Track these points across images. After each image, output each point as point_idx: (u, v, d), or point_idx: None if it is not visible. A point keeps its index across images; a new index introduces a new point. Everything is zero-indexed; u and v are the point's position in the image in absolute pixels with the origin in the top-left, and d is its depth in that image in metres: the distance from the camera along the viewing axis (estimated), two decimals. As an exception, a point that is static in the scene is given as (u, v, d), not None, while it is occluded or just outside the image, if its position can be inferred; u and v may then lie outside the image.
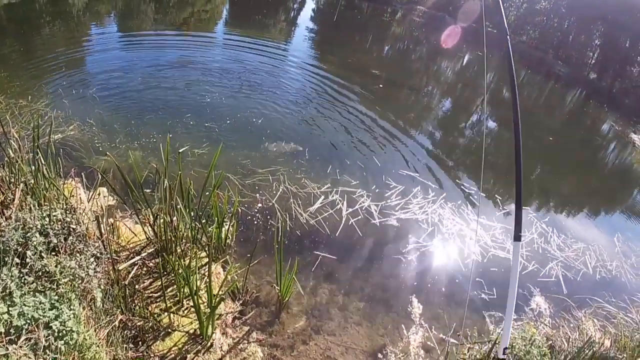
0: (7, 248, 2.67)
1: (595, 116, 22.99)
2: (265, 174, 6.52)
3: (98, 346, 2.63)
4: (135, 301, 3.53)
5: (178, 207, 4.30)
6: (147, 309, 3.55)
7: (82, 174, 4.69)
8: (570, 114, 22.06)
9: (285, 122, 8.76)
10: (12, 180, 3.56)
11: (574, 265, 6.37)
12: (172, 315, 3.63)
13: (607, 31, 45.81)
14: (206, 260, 4.30)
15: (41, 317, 2.32)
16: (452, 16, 41.93)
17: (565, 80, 34.16)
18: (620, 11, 40.96)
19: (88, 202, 4.26)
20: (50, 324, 2.32)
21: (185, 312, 3.76)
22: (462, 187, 7.70)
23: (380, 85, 12.81)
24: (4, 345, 2.05)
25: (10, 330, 2.19)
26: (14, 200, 3.17)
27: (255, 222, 5.49)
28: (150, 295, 3.80)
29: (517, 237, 2.36)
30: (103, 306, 3.02)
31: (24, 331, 2.21)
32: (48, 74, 9.43)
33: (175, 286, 3.87)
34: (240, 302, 4.18)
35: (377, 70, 14.88)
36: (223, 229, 4.65)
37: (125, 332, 3.19)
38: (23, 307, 2.31)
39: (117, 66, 10.79)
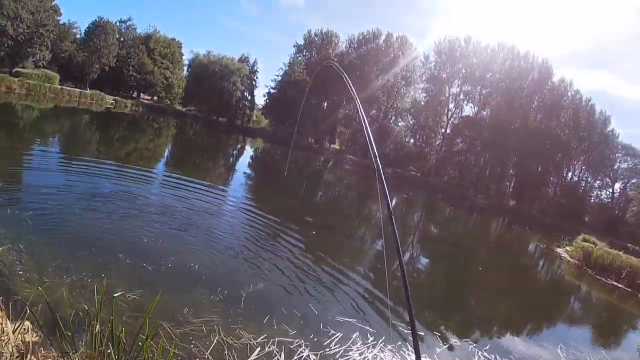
0: None
1: (520, 239, 24.78)
2: (199, 323, 6.25)
3: None
4: None
5: (108, 354, 3.95)
6: None
7: (10, 302, 4.29)
8: (497, 242, 23.66)
9: (221, 268, 8.66)
10: None
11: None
12: None
13: (519, 161, 51.87)
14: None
15: None
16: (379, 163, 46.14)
17: (487, 210, 37.21)
18: (529, 141, 47.05)
19: (13, 333, 3.84)
20: None
21: None
22: (399, 328, 7.75)
23: (314, 232, 13.36)
24: None
25: None
26: None
27: (189, 379, 5.12)
28: None
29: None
30: None
31: None
32: None
33: None
34: None
35: (311, 218, 15.65)
36: None
37: None
38: None
39: (56, 192, 10.61)
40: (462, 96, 60.86)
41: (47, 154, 16.47)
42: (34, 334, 4.47)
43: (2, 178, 9.86)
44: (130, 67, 61.87)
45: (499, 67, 56.76)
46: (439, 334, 7.78)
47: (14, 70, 40.82)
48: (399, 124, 64.88)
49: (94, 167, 15.51)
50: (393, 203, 27.55)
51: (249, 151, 44.99)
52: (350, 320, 7.47)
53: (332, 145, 62.69)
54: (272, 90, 68.20)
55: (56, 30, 51.58)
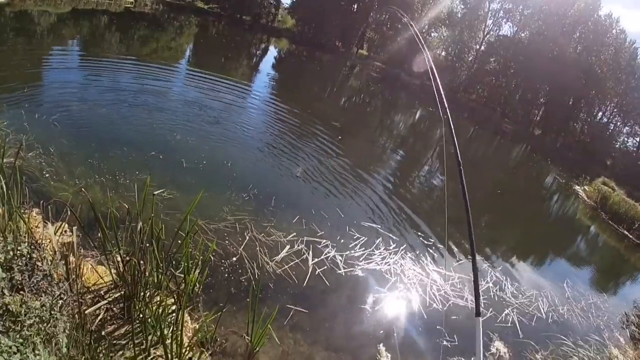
0: None
1: (540, 169, 24.60)
2: (232, 221, 6.49)
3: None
4: (100, 348, 3.28)
5: (149, 251, 4.12)
6: (111, 356, 3.31)
7: (49, 206, 4.46)
8: (517, 168, 23.53)
9: (252, 166, 8.91)
10: None
11: (528, 311, 6.70)
12: None
13: (551, 90, 49.86)
14: (173, 307, 4.09)
15: None
16: (406, 72, 44.52)
17: (511, 135, 36.45)
18: (564, 72, 44.83)
19: (55, 236, 3.95)
20: None
21: None
22: (421, 237, 8.00)
23: (340, 137, 13.28)
24: None
25: None
26: None
27: (222, 270, 5.43)
28: (116, 342, 3.53)
29: (478, 313, 2.51)
30: (68, 352, 2.77)
31: None
32: (7, 95, 9.07)
33: (142, 333, 3.64)
34: (210, 352, 3.99)
35: (337, 122, 15.47)
36: (192, 276, 4.51)
37: None
38: None
39: (81, 93, 10.51)
40: (502, 13, 56.29)
41: (68, 57, 16.15)
42: (75, 235, 4.75)
43: (27, 83, 9.77)
44: (148, -37, 58.69)
45: (545, -12, 52.40)
46: (456, 249, 8.03)
47: None
48: (432, 34, 61.35)
49: (117, 67, 15.28)
50: (417, 115, 27.15)
51: (273, 51, 43.63)
52: (374, 226, 7.76)
53: (360, 51, 59.97)
54: None
55: None
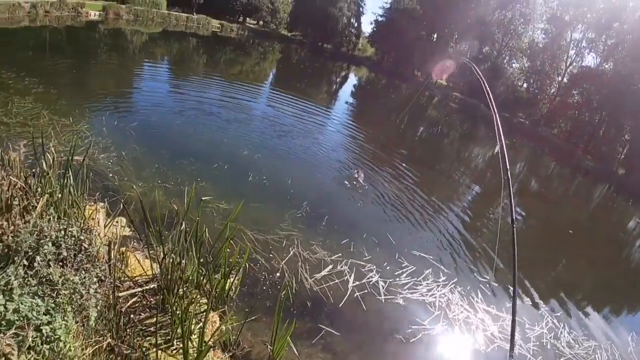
0: (19, 249, 2.81)
1: (622, 212, 22.57)
2: (281, 234, 6.65)
3: (79, 362, 2.64)
4: (128, 330, 3.55)
5: (190, 251, 4.45)
6: (137, 340, 3.55)
7: (106, 200, 4.93)
8: (596, 208, 21.75)
9: (311, 185, 9.12)
10: (39, 189, 3.80)
11: (582, 364, 6.09)
12: (160, 352, 3.59)
13: (636, 126, 45.68)
14: (205, 306, 4.30)
15: (34, 319, 2.39)
16: (485, 104, 43.24)
17: (593, 174, 33.82)
18: None
19: (105, 227, 4.45)
20: (41, 328, 2.38)
21: (174, 352, 3.72)
22: (475, 273, 7.59)
23: (412, 166, 13.04)
24: None
25: (2, 322, 2.27)
26: (36, 207, 3.37)
27: (261, 280, 5.52)
28: (144, 328, 3.80)
29: (512, 355, 2.36)
30: (95, 326, 3.06)
31: (14, 327, 2.27)
32: (94, 101, 10.25)
33: (170, 325, 3.89)
34: (230, 354, 4.11)
35: (411, 151, 15.32)
36: (228, 280, 4.71)
37: (111, 356, 3.17)
38: (20, 305, 2.38)
39: (160, 107, 11.72)
40: (584, 43, 53.07)
41: (155, 73, 17.77)
42: (127, 229, 5.30)
43: (113, 93, 10.85)
44: (236, -8, 62.82)
45: (628, 17, 48.74)
46: (511, 289, 7.52)
47: None
48: (513, 65, 59.10)
49: (201, 84, 16.56)
50: (495, 149, 25.96)
51: (352, 79, 44.51)
52: (425, 256, 7.48)
53: (439, 81, 59.26)
54: (379, 18, 65.29)
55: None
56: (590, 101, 48.04)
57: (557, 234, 12.48)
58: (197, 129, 10.57)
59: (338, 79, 40.82)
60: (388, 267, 6.74)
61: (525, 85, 55.99)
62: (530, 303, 7.30)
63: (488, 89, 3.72)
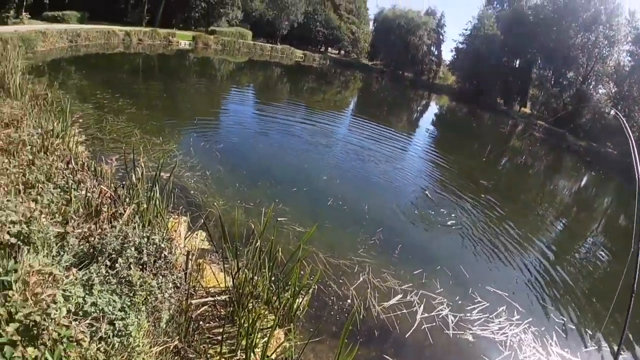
0: (104, 250, 3.13)
1: None
2: (353, 260, 6.63)
3: (146, 359, 2.84)
4: (195, 336, 3.73)
5: (262, 268, 4.66)
6: (203, 347, 3.71)
7: (188, 214, 5.31)
8: None
9: (387, 213, 8.96)
10: (127, 199, 4.25)
11: None
12: None
13: None
14: (272, 322, 4.36)
15: (109, 313, 2.61)
16: (573, 133, 40.39)
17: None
18: None
19: (185, 239, 4.80)
20: (115, 322, 2.60)
21: None
22: (551, 314, 7.01)
23: (484, 196, 12.54)
24: (69, 320, 2.33)
25: (79, 312, 2.50)
26: (123, 215, 3.73)
27: (329, 302, 5.53)
28: (211, 336, 3.97)
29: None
30: (165, 328, 3.27)
31: (90, 318, 2.51)
32: (183, 123, 11.17)
33: (235, 337, 4.04)
34: None
35: (493, 182, 14.72)
36: (297, 299, 4.79)
37: (176, 358, 3.34)
38: (98, 299, 2.62)
39: (245, 130, 12.55)
40: None
41: (241, 99, 18.99)
42: (206, 242, 5.63)
43: (201, 116, 11.70)
44: (318, 23, 65.62)
45: None
46: (590, 333, 6.82)
47: (209, 29, 46.45)
48: (600, 90, 54.55)
49: (284, 111, 17.36)
50: (583, 181, 24.15)
51: (433, 107, 44.01)
52: (500, 292, 7.02)
53: (523, 109, 56.29)
54: (460, 45, 63.73)
55: (246, -9, 56.87)
56: None
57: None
58: (279, 152, 11.10)
59: (418, 107, 40.40)
60: (460, 301, 6.40)
61: (612, 112, 51.43)
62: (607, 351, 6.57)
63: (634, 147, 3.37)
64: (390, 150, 14.94)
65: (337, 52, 74.79)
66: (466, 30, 61.94)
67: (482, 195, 12.06)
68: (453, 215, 9.94)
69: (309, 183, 9.28)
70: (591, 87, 51.49)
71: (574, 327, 6.69)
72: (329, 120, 17.91)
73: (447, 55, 69.49)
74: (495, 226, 10.00)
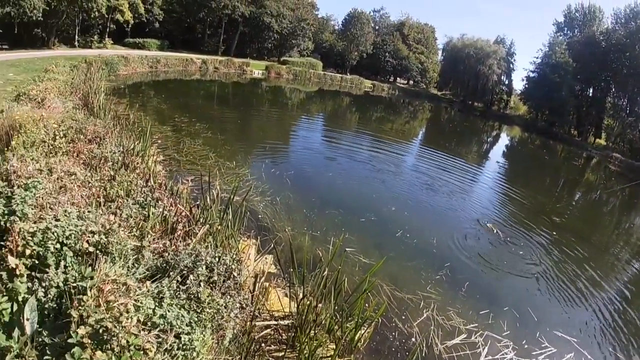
0: (176, 266, 3.32)
1: None
2: (418, 295, 6.42)
3: (208, 374, 2.89)
4: (256, 357, 3.80)
5: (327, 296, 4.70)
6: None
7: (258, 237, 5.53)
8: None
9: (457, 248, 8.61)
10: (201, 219, 4.50)
11: None
12: None
13: None
14: (332, 352, 4.36)
15: (176, 327, 2.73)
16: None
17: None
18: None
19: (254, 261, 4.98)
20: (181, 336, 2.71)
21: None
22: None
23: (566, 236, 11.72)
24: (138, 329, 2.47)
25: (148, 323, 2.64)
26: (196, 234, 3.95)
27: (391, 337, 5.47)
28: (270, 359, 4.02)
29: None
30: (228, 346, 3.36)
31: (157, 329, 2.63)
32: (255, 149, 11.66)
33: None
34: None
35: (566, 219, 13.87)
36: (359, 331, 4.71)
37: None
38: (167, 312, 2.76)
39: (315, 158, 12.92)
40: None
41: (311, 127, 19.51)
42: (274, 267, 5.76)
43: (273, 142, 12.13)
44: (387, 53, 66.39)
45: None
46: None
47: (281, 59, 48.47)
48: None
49: (353, 140, 17.56)
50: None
51: (504, 139, 42.40)
52: (569, 338, 6.50)
53: (597, 140, 52.32)
54: (531, 74, 60.60)
55: (316, 23, 59.79)
56: None
57: None
58: (348, 181, 11.21)
59: (489, 139, 38.99)
60: (526, 346, 5.93)
61: None
62: None
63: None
64: (460, 182, 14.46)
65: (405, 82, 74.80)
66: (537, 58, 59.26)
67: (554, 233, 11.36)
68: (522, 252, 9.41)
69: (377, 213, 9.16)
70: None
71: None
72: (398, 150, 17.82)
73: (518, 84, 66.62)
74: (566, 266, 9.28)
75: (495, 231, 10.14)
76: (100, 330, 2.30)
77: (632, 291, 9.63)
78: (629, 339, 7.17)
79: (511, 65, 66.59)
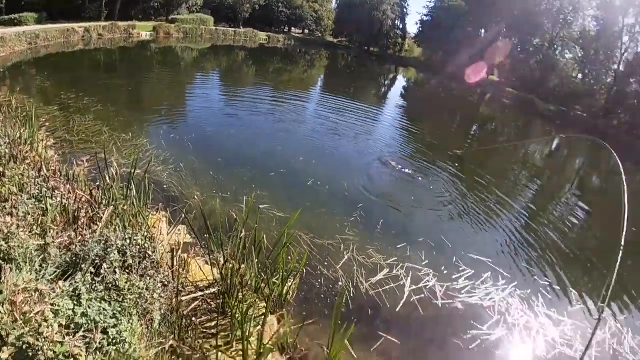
0: (87, 257, 3.03)
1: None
2: (337, 239, 6.64)
3: (144, 363, 2.77)
4: (189, 332, 3.70)
5: (249, 257, 4.62)
6: (198, 342, 3.69)
7: (168, 209, 5.20)
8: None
9: (368, 190, 8.99)
10: (104, 201, 4.09)
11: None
12: (220, 354, 3.70)
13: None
14: (264, 310, 4.36)
15: (101, 322, 2.53)
16: (541, 97, 41.36)
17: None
18: None
19: (167, 235, 4.71)
20: (108, 330, 2.53)
21: (234, 354, 3.82)
22: (535, 277, 7.20)
23: (464, 166, 12.55)
24: (62, 335, 2.25)
25: (71, 325, 2.42)
26: (101, 218, 3.61)
27: (318, 284, 5.55)
28: (205, 331, 3.94)
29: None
30: (159, 328, 3.21)
31: (82, 329, 2.42)
32: (151, 116, 10.85)
33: (229, 328, 4.02)
34: (288, 357, 4.17)
35: (459, 150, 14.90)
36: (286, 284, 4.78)
37: (173, 357, 3.31)
38: (87, 309, 2.54)
39: (215, 117, 12.35)
40: (638, 28, 49.44)
41: (207, 86, 18.59)
42: (188, 236, 5.52)
43: (168, 107, 11.44)
44: (280, 4, 64.15)
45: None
46: (575, 293, 7.03)
47: (170, 18, 44.97)
48: (566, 55, 55.53)
49: (252, 95, 17.08)
50: (554, 144, 24.79)
51: (401, 81, 44.21)
52: (484, 259, 7.16)
53: (490, 77, 56.92)
54: (424, 18, 63.77)
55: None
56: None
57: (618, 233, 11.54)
58: (251, 137, 10.94)
59: (387, 82, 40.54)
60: (445, 271, 6.50)
61: (580, 76, 52.67)
62: (593, 307, 6.81)
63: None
64: (362, 124, 15.13)
65: (301, 31, 73.66)
66: (430, 2, 61.92)
67: (456, 165, 12.23)
68: (429, 186, 10.11)
69: (285, 165, 9.19)
70: (557, 52, 52.48)
71: (558, 287, 6.91)
72: (298, 101, 17.77)
73: (412, 28, 69.32)
74: (470, 193, 10.22)
75: (401, 168, 10.63)
76: (24, 347, 2.07)
77: (533, 209, 10.79)
78: (538, 252, 8.14)
79: (405, 10, 68.85)
